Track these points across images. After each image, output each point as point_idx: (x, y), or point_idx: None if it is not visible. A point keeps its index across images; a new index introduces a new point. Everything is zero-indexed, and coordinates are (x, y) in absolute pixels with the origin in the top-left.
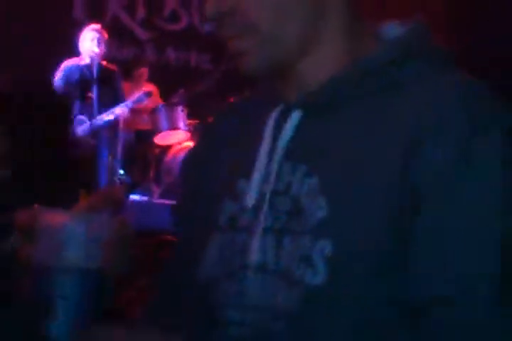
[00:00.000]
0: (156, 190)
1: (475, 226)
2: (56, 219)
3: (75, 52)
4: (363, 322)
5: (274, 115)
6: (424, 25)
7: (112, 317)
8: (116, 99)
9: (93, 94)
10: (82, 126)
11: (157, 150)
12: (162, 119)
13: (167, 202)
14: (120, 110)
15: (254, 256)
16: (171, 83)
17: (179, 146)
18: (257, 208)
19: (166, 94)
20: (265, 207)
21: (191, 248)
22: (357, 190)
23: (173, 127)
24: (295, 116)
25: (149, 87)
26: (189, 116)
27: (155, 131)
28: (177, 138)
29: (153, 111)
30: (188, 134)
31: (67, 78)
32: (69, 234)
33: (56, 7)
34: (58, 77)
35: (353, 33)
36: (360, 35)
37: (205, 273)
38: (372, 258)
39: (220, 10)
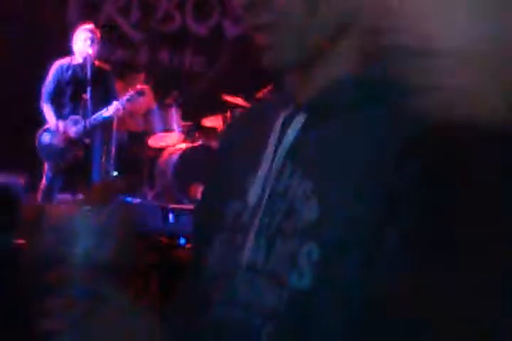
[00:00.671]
0: (150, 193)
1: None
2: (63, 212)
3: (68, 54)
4: (349, 324)
5: (282, 117)
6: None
7: None
8: (109, 99)
9: (87, 95)
10: (76, 126)
11: (151, 152)
12: (156, 121)
13: (160, 204)
14: (114, 109)
15: (246, 255)
16: (164, 85)
17: (173, 148)
18: (256, 209)
19: (159, 96)
20: (262, 208)
21: (201, 248)
22: (347, 195)
23: (167, 129)
24: (299, 119)
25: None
26: (183, 117)
27: (148, 132)
28: (171, 140)
29: (147, 113)
30: (182, 136)
31: (58, 77)
32: (77, 227)
33: (50, 9)
34: (50, 76)
35: (372, 37)
36: (375, 45)
37: (208, 271)
38: (358, 263)
39: None
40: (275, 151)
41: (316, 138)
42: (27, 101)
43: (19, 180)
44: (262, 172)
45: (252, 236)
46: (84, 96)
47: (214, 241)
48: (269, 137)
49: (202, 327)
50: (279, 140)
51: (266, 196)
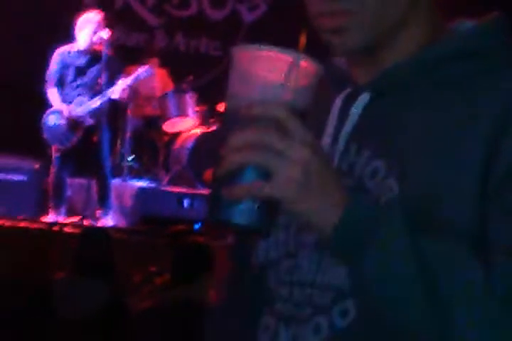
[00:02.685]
0: (165, 177)
1: None
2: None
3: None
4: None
5: (341, 97)
6: (499, 21)
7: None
8: (113, 83)
9: (93, 78)
10: (81, 108)
11: (166, 137)
12: (171, 106)
13: (175, 189)
14: (120, 88)
15: (312, 234)
16: (180, 69)
17: (187, 133)
18: None
19: (174, 81)
20: None
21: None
22: (429, 173)
23: (182, 114)
24: (363, 98)
25: (160, 72)
26: (198, 102)
27: (163, 117)
28: (186, 125)
29: (162, 98)
30: (197, 121)
31: (62, 63)
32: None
33: None
34: (53, 62)
35: (434, 23)
36: (439, 26)
37: (260, 257)
38: (445, 237)
39: None
40: (337, 131)
41: (385, 117)
42: (39, 84)
43: (35, 164)
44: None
45: None
46: (90, 80)
47: None
48: (327, 117)
49: (263, 312)
50: (341, 120)
51: None
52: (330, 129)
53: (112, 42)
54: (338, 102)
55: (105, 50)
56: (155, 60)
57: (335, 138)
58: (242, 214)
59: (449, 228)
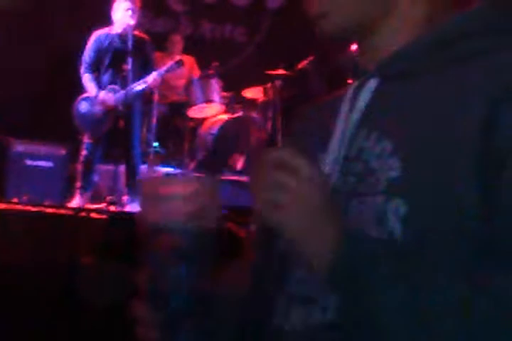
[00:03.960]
0: (190, 163)
1: None
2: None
3: (108, 23)
4: (440, 269)
5: (352, 86)
6: (504, 1)
7: None
8: (147, 69)
9: (127, 65)
10: (114, 96)
11: (191, 123)
12: (196, 92)
13: (201, 175)
14: (152, 79)
15: None
16: (205, 56)
17: (213, 119)
18: (331, 174)
19: (200, 67)
20: (336, 172)
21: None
22: (431, 151)
23: (208, 100)
24: (370, 85)
25: (187, 58)
26: (223, 88)
27: (189, 103)
28: (211, 111)
29: (188, 84)
30: (223, 107)
31: (98, 47)
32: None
33: None
34: (89, 46)
35: (433, 3)
36: (439, 8)
37: (281, 244)
38: (447, 215)
39: None
40: (347, 119)
41: (392, 101)
42: (67, 69)
43: (61, 151)
44: (335, 139)
45: None
46: (123, 66)
47: None
48: (340, 108)
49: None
50: (351, 107)
51: (339, 160)
52: (342, 118)
53: (137, 28)
54: (349, 92)
55: (132, 35)
56: (178, 38)
57: (346, 126)
58: None
59: (455, 206)
